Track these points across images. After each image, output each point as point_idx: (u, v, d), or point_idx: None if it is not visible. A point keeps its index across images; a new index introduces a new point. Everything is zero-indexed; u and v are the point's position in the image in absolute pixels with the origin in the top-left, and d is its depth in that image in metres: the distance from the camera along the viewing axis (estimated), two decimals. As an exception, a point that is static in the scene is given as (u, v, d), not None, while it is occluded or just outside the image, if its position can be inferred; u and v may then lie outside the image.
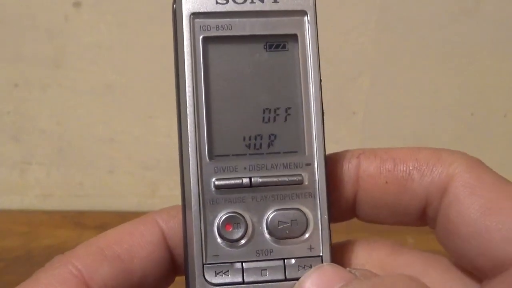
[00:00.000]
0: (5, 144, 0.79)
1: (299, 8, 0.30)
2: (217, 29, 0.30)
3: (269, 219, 0.30)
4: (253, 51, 0.30)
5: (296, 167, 0.30)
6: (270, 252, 0.30)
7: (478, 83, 0.80)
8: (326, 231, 0.30)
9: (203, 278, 0.29)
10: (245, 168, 0.30)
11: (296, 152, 0.30)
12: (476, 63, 0.79)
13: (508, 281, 0.28)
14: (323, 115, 0.30)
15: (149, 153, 0.80)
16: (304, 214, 0.30)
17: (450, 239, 0.30)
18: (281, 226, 0.30)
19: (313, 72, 0.30)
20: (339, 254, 0.32)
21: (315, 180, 0.30)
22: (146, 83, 0.77)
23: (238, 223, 0.29)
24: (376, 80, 0.79)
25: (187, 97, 0.29)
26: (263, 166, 0.30)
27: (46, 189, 0.81)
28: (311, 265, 0.29)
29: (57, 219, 0.78)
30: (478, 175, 0.29)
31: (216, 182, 0.29)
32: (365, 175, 0.31)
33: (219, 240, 0.29)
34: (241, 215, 0.29)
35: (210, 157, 0.29)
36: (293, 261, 0.30)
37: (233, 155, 0.30)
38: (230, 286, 0.29)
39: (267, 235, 0.30)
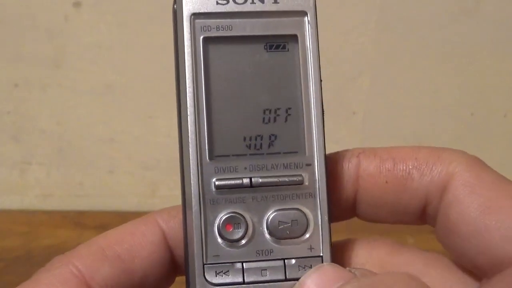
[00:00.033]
0: (5, 144, 0.79)
1: (299, 8, 0.30)
2: (218, 29, 0.30)
3: (269, 219, 0.30)
4: (254, 52, 0.30)
5: (297, 167, 0.30)
6: (271, 252, 0.30)
7: (478, 83, 0.80)
8: (327, 232, 0.30)
9: (204, 278, 0.29)
10: (245, 168, 0.30)
11: (296, 152, 0.30)
12: (476, 63, 0.79)
13: (507, 280, 0.28)
14: (323, 116, 0.30)
15: (149, 153, 0.80)
16: (305, 214, 0.30)
17: (450, 238, 0.30)
18: (282, 226, 0.30)
19: (313, 73, 0.30)
20: (339, 253, 0.32)
21: (315, 180, 0.30)
22: (146, 83, 0.77)
23: (238, 223, 0.29)
24: (376, 80, 0.79)
25: (187, 97, 0.29)
26: (263, 166, 0.30)
27: (46, 189, 0.81)
28: (311, 265, 0.29)
29: (57, 219, 0.78)
30: (478, 174, 0.30)
31: (217, 182, 0.29)
32: (365, 174, 0.31)
33: (219, 240, 0.29)
34: (241, 215, 0.29)
35: (211, 157, 0.30)
36: (293, 261, 0.30)
37: (233, 155, 0.30)
38: (230, 286, 0.29)
39: (267, 235, 0.30)
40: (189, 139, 0.29)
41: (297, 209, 0.30)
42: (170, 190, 0.81)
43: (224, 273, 0.29)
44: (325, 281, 0.28)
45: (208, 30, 0.30)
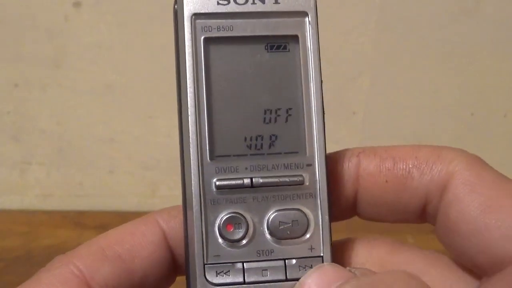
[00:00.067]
0: (5, 144, 0.79)
1: (300, 9, 0.30)
2: (218, 29, 0.30)
3: (270, 220, 0.30)
4: (254, 52, 0.30)
5: (297, 167, 0.30)
6: (271, 252, 0.30)
7: (478, 83, 0.80)
8: (327, 232, 0.30)
9: (204, 278, 0.29)
10: (246, 169, 0.30)
11: (297, 152, 0.30)
12: (476, 63, 0.79)
13: (506, 279, 0.28)
14: (323, 116, 0.30)
15: (149, 153, 0.80)
16: (305, 214, 0.30)
17: (450, 237, 0.30)
18: (282, 227, 0.30)
19: (314, 73, 0.30)
20: (340, 253, 0.32)
21: (316, 180, 0.30)
22: (146, 83, 0.77)
23: (239, 224, 0.29)
24: (376, 80, 0.79)
25: (188, 97, 0.29)
26: (264, 166, 0.30)
27: (46, 189, 0.81)
28: (311, 265, 0.29)
29: (57, 219, 0.78)
30: (478, 173, 0.30)
31: (217, 183, 0.29)
32: (365, 173, 0.31)
33: (220, 240, 0.29)
34: (242, 215, 0.29)
35: (211, 158, 0.30)
36: (294, 261, 0.30)
37: (234, 155, 0.30)
38: (231, 286, 0.29)
39: (268, 236, 0.30)
40: (190, 139, 0.29)
41: (298, 209, 0.30)
42: (170, 190, 0.81)
43: (224, 273, 0.29)
44: (325, 281, 0.28)
45: (209, 31, 0.30)
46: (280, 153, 0.30)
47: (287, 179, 0.30)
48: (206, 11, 0.30)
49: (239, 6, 0.30)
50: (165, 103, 0.76)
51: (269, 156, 0.30)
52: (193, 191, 0.29)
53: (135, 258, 0.30)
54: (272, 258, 0.30)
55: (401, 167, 0.31)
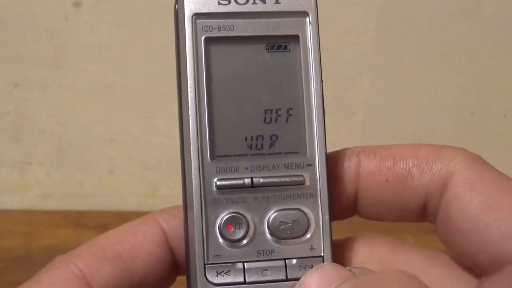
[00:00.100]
0: (5, 144, 0.79)
1: (300, 9, 0.30)
2: (219, 29, 0.30)
3: (270, 219, 0.30)
4: (255, 52, 0.30)
5: (298, 167, 0.30)
6: (272, 252, 0.30)
7: (478, 83, 0.80)
8: (327, 232, 0.30)
9: (205, 278, 0.29)
10: (246, 169, 0.30)
11: (297, 152, 0.30)
12: (476, 63, 0.79)
13: (506, 278, 0.28)
14: (324, 116, 0.30)
15: (149, 153, 0.80)
16: (306, 214, 0.30)
17: (450, 236, 0.30)
18: (283, 227, 0.30)
19: (315, 73, 0.30)
20: (340, 252, 0.32)
21: (317, 180, 0.30)
22: (146, 83, 0.77)
23: (239, 223, 0.29)
24: (376, 80, 0.79)
25: (189, 97, 0.29)
26: (264, 166, 0.30)
27: (46, 189, 0.81)
28: (312, 265, 0.29)
29: (57, 219, 0.78)
30: (479, 172, 0.30)
31: (218, 183, 0.29)
32: (365, 173, 0.31)
33: (220, 240, 0.29)
34: (242, 215, 0.29)
35: (212, 158, 0.30)
36: (294, 261, 0.30)
37: (234, 155, 0.30)
38: (231, 286, 0.29)
39: (268, 235, 0.30)
40: (191, 139, 0.29)
41: (298, 209, 0.30)
42: (170, 190, 0.81)
43: (225, 273, 0.29)
44: (326, 281, 0.28)
45: (210, 30, 0.30)
46: (281, 153, 0.30)
47: (287, 179, 0.30)
48: (207, 11, 0.30)
49: (239, 6, 0.30)
50: (165, 103, 0.76)
51: (270, 156, 0.30)
52: (193, 191, 0.29)
53: (135, 258, 0.30)
54: (273, 258, 0.30)
55: (401, 166, 0.31)
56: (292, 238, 0.30)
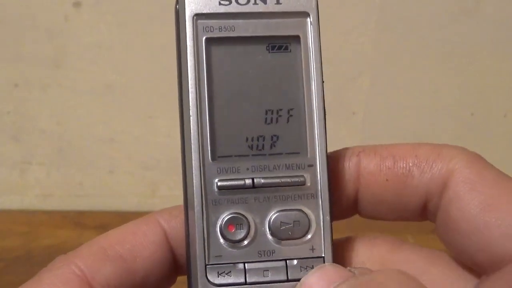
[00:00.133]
0: (5, 144, 0.79)
1: (301, 9, 0.30)
2: (220, 30, 0.30)
3: (271, 220, 0.30)
4: (256, 52, 0.30)
5: (299, 168, 0.30)
6: (272, 253, 0.30)
7: (478, 83, 0.80)
8: (328, 232, 0.30)
9: (206, 279, 0.29)
10: (247, 169, 0.30)
11: (298, 153, 0.30)
12: (476, 63, 0.79)
13: (506, 277, 0.28)
14: (325, 116, 0.30)
15: (149, 153, 0.80)
16: (306, 215, 0.30)
17: (450, 235, 0.30)
18: (284, 227, 0.30)
19: (316, 74, 0.30)
20: (340, 252, 0.32)
21: (317, 181, 0.30)
22: (146, 83, 0.77)
23: (240, 224, 0.29)
24: (376, 80, 0.79)
25: (190, 98, 0.29)
26: (265, 167, 0.30)
27: (46, 189, 0.81)
28: (313, 266, 0.29)
29: (57, 219, 0.78)
30: (479, 171, 0.30)
31: (219, 183, 0.29)
32: (366, 172, 0.31)
33: (221, 240, 0.29)
34: (243, 216, 0.29)
35: (213, 158, 0.30)
36: (295, 262, 0.30)
37: (235, 156, 0.30)
38: (232, 286, 0.29)
39: (269, 236, 0.30)
40: (192, 139, 0.29)
41: (299, 210, 0.30)
42: (170, 190, 0.81)
43: (226, 274, 0.29)
44: (326, 281, 0.28)
45: (211, 31, 0.30)
46: (282, 154, 0.30)
47: (288, 180, 0.30)
48: (208, 12, 0.30)
49: (240, 6, 0.30)
50: (165, 103, 0.76)
51: (271, 156, 0.30)
52: (194, 192, 0.29)
53: (136, 258, 0.30)
54: (274, 259, 0.30)
55: (402, 166, 0.31)
56: (293, 239, 0.30)
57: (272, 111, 0.30)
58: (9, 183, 0.80)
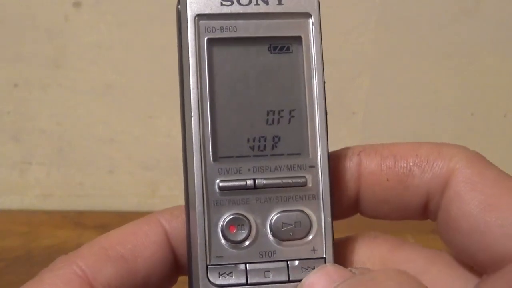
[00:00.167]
0: (5, 144, 0.79)
1: (303, 10, 0.30)
2: (222, 30, 0.30)
3: (272, 221, 0.30)
4: (258, 53, 0.30)
5: (300, 169, 0.30)
6: (274, 254, 0.30)
7: (478, 83, 0.80)
8: (329, 233, 0.30)
9: (207, 280, 0.29)
10: (249, 170, 0.30)
11: (299, 154, 0.30)
12: (476, 63, 0.79)
13: (506, 277, 0.28)
14: (326, 117, 0.30)
15: (149, 153, 0.80)
16: (308, 216, 0.30)
17: (451, 234, 0.30)
18: (285, 228, 0.30)
19: (317, 74, 0.30)
20: (341, 251, 0.32)
21: (319, 182, 0.30)
22: (146, 83, 0.77)
23: (242, 225, 0.29)
24: (376, 80, 0.79)
25: (191, 98, 0.29)
26: (267, 167, 0.30)
27: (46, 189, 0.81)
28: (314, 266, 0.29)
29: (57, 219, 0.78)
30: (479, 170, 0.30)
31: (220, 184, 0.29)
32: (366, 172, 0.31)
33: (223, 241, 0.29)
34: (245, 216, 0.29)
35: (214, 159, 0.29)
36: (296, 262, 0.30)
37: (237, 156, 0.30)
38: (233, 287, 0.29)
39: (270, 237, 0.30)
40: (193, 140, 0.29)
41: (300, 210, 0.30)
42: (170, 190, 0.81)
43: (227, 274, 0.29)
44: (327, 282, 0.28)
45: (212, 31, 0.30)
46: (283, 155, 0.30)
47: (290, 181, 0.30)
48: (210, 12, 0.30)
49: (242, 7, 0.30)
50: (165, 103, 0.76)
51: (272, 157, 0.30)
52: (196, 192, 0.29)
53: (137, 258, 0.30)
54: (275, 260, 0.30)
55: (402, 165, 0.31)
56: (294, 240, 0.30)
57: (274, 111, 0.30)
58: (9, 183, 0.80)
